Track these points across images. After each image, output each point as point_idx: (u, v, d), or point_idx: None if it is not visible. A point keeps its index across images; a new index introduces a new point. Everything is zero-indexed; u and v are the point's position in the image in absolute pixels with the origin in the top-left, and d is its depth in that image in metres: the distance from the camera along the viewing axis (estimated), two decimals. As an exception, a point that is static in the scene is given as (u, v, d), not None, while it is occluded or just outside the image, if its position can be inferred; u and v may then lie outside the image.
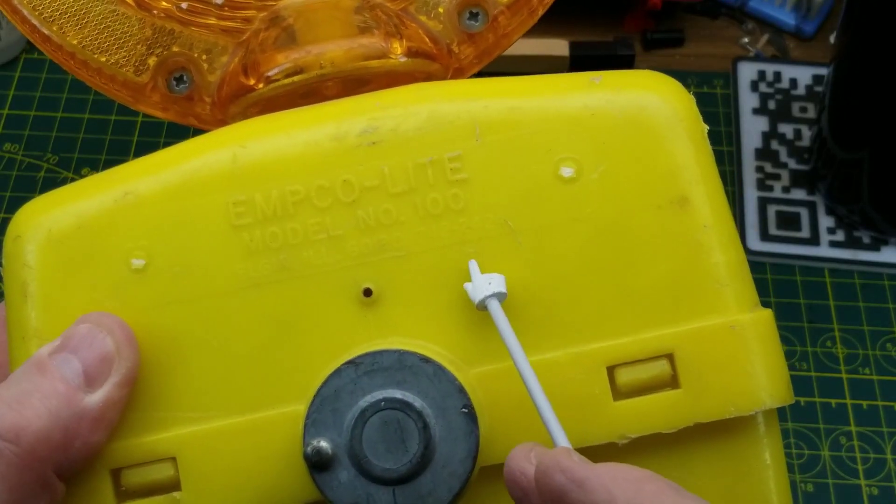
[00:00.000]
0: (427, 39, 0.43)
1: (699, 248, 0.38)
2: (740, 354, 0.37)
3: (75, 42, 0.43)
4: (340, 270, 0.38)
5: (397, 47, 0.42)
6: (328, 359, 0.38)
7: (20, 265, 0.39)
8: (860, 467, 0.64)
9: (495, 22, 0.43)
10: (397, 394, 0.36)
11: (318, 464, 0.36)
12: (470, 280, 0.38)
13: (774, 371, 0.38)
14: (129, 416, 0.38)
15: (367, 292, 0.38)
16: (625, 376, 0.38)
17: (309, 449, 0.36)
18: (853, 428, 0.65)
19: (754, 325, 0.38)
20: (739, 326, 0.37)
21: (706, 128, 0.39)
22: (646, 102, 0.39)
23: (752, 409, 0.37)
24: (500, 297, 0.37)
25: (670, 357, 0.38)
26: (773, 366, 0.38)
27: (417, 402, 0.36)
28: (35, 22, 0.43)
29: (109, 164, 0.73)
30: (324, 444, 0.36)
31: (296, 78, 0.42)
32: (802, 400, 0.66)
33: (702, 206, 0.38)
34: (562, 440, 0.34)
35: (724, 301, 0.38)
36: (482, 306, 0.37)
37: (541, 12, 0.43)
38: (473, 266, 0.38)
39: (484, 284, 0.37)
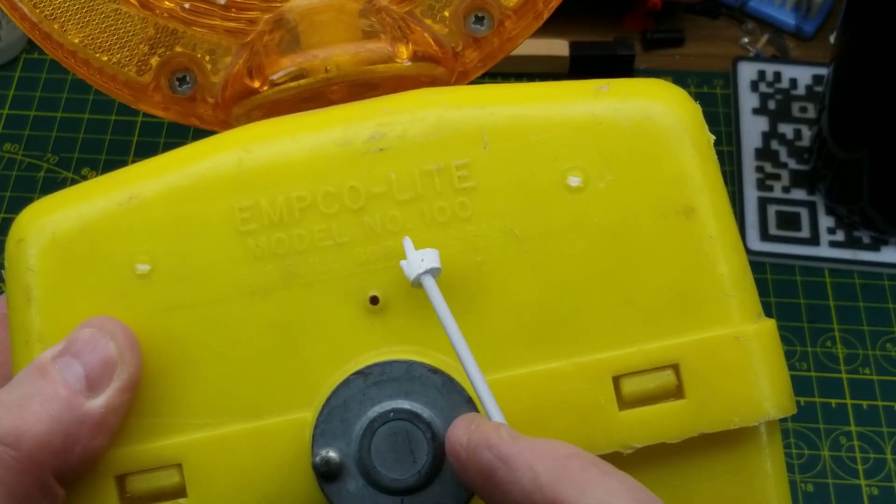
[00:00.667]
0: (432, 43, 0.42)
1: (704, 258, 0.38)
2: (745, 365, 0.38)
3: (77, 41, 0.43)
4: (347, 277, 0.38)
5: (403, 51, 0.42)
6: (334, 366, 0.38)
7: (23, 269, 0.38)
8: (860, 467, 0.64)
9: (501, 26, 0.43)
10: (406, 404, 0.36)
11: (326, 473, 0.36)
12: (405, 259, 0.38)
13: (778, 382, 0.38)
14: (135, 422, 0.38)
15: (374, 300, 0.38)
16: (630, 386, 0.38)
17: (318, 459, 0.36)
18: (853, 428, 0.65)
19: (758, 336, 0.38)
20: (744, 337, 0.38)
21: (712, 137, 0.39)
22: (652, 111, 0.39)
23: (755, 419, 0.37)
24: (434, 272, 0.37)
25: (675, 367, 0.38)
26: (776, 376, 0.38)
27: (426, 413, 0.36)
28: (35, 19, 0.42)
29: (109, 163, 0.73)
30: (332, 453, 0.36)
31: (301, 82, 0.42)
32: (802, 400, 0.66)
33: (707, 216, 0.38)
34: (495, 414, 0.34)
35: (728, 312, 0.38)
36: (416, 283, 0.37)
37: (546, 16, 0.43)
38: (408, 243, 0.38)
39: (417, 261, 0.37)
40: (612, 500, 0.31)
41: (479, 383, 0.35)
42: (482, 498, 0.34)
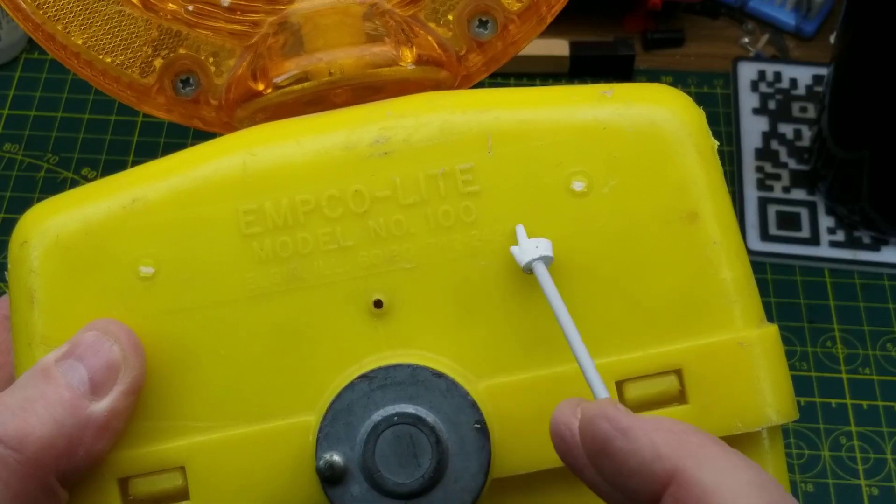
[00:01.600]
0: (436, 47, 0.42)
1: (708, 263, 0.38)
2: (748, 371, 0.38)
3: (80, 42, 0.43)
4: (351, 281, 0.38)
5: (407, 55, 0.42)
6: (338, 370, 0.38)
7: (27, 271, 0.38)
8: (860, 467, 0.64)
9: (504, 30, 0.43)
10: (410, 408, 0.36)
11: (330, 477, 0.36)
12: (516, 245, 0.38)
13: (780, 387, 0.38)
14: (138, 425, 0.38)
15: (378, 304, 0.38)
16: (633, 391, 0.38)
17: (321, 462, 0.36)
18: (853, 428, 0.65)
19: (761, 342, 0.38)
20: (747, 343, 0.38)
21: (716, 143, 0.39)
22: (656, 117, 0.39)
23: (758, 425, 0.38)
24: (546, 260, 0.37)
25: (678, 372, 0.38)
26: (778, 382, 0.38)
27: (430, 417, 0.36)
28: (39, 20, 0.42)
29: (109, 163, 0.73)
30: (336, 457, 0.36)
31: (304, 85, 0.42)
32: (802, 400, 0.66)
33: (711, 221, 0.38)
34: (602, 392, 0.34)
35: (731, 317, 0.38)
36: (528, 269, 0.37)
37: (549, 20, 0.43)
38: (520, 230, 0.38)
39: (531, 248, 0.37)
40: (731, 476, 0.31)
41: (587, 365, 0.35)
42: (586, 475, 0.33)
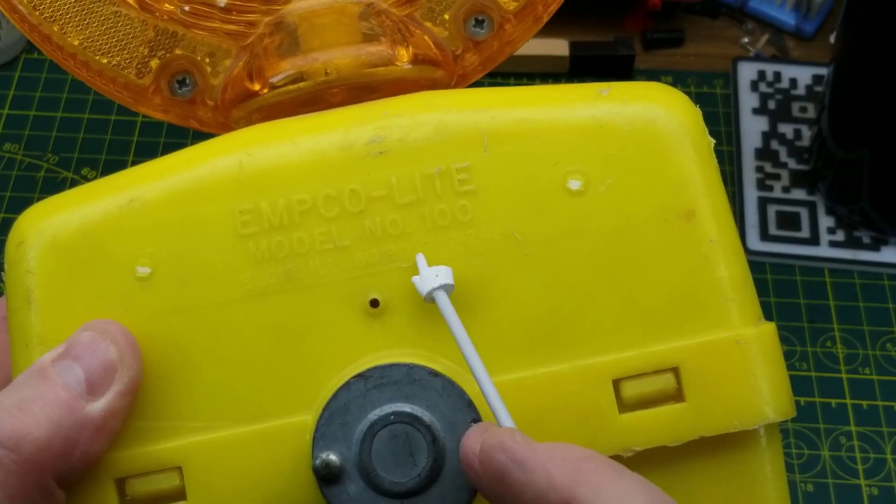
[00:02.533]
0: (432, 46, 0.42)
1: (705, 262, 0.38)
2: (745, 369, 0.38)
3: (76, 43, 0.42)
4: (347, 281, 0.38)
5: (403, 54, 0.42)
6: (335, 369, 0.38)
7: (23, 271, 0.38)
8: (860, 467, 0.64)
9: (501, 29, 0.43)
10: (406, 407, 0.36)
11: (326, 477, 0.36)
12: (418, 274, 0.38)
13: (777, 385, 0.38)
14: (135, 425, 0.38)
15: (374, 303, 0.38)
16: (630, 389, 0.38)
17: (318, 462, 0.36)
18: (853, 428, 0.65)
19: (758, 340, 0.38)
20: (744, 341, 0.38)
21: (713, 141, 0.39)
22: (653, 115, 0.39)
23: (755, 423, 0.37)
24: (447, 288, 0.37)
25: (676, 371, 0.38)
26: (776, 380, 0.38)
27: (426, 416, 0.36)
28: (35, 21, 0.42)
29: (109, 163, 0.73)
30: (333, 457, 0.36)
31: (301, 84, 0.42)
32: (802, 400, 0.66)
33: (708, 219, 0.38)
34: (506, 420, 0.35)
35: (728, 315, 0.38)
36: (430, 299, 0.37)
37: (545, 19, 0.43)
38: (421, 259, 0.38)
39: (431, 276, 0.37)
40: (627, 501, 0.31)
41: (490, 393, 0.35)
42: (494, 503, 0.34)
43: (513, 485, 0.32)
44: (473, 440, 0.34)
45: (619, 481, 0.31)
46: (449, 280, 0.37)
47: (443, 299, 0.37)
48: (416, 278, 0.38)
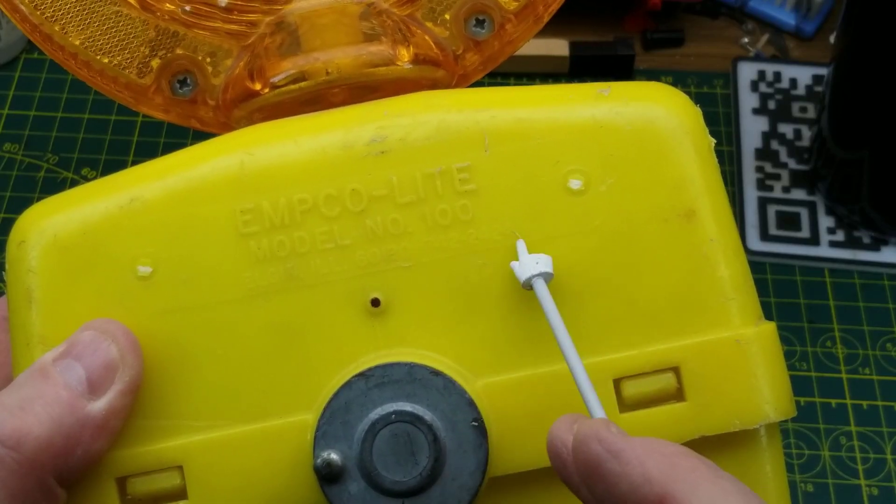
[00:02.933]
0: (433, 46, 0.42)
1: (705, 261, 0.38)
2: (745, 368, 0.38)
3: (77, 43, 0.43)
4: (348, 280, 0.38)
5: (404, 54, 0.42)
6: (335, 368, 0.38)
7: (24, 270, 0.38)
8: (860, 467, 0.64)
9: (502, 29, 0.43)
10: (407, 407, 0.36)
11: (328, 476, 0.36)
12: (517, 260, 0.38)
13: (778, 384, 0.38)
14: (136, 424, 0.38)
15: (375, 302, 0.38)
16: (631, 389, 0.38)
17: (319, 461, 0.36)
18: (853, 428, 0.65)
19: (759, 339, 0.38)
20: (744, 340, 0.38)
21: (713, 141, 0.39)
22: (653, 115, 0.39)
23: (756, 422, 0.37)
24: (546, 276, 0.37)
25: (676, 370, 0.38)
26: (776, 379, 0.38)
27: (427, 415, 0.36)
28: (36, 21, 0.42)
29: (109, 163, 0.73)
30: (334, 456, 0.36)
31: (302, 84, 0.42)
32: (802, 400, 0.66)
33: (708, 219, 0.38)
34: (599, 412, 0.34)
35: (729, 315, 0.38)
36: (528, 285, 0.37)
37: (546, 19, 0.43)
38: (521, 245, 0.38)
39: (531, 264, 0.37)
40: (723, 500, 0.31)
41: (584, 384, 0.35)
42: (582, 494, 0.33)
43: (606, 476, 0.32)
44: (563, 430, 0.34)
45: (716, 480, 0.31)
46: (549, 269, 0.37)
47: (541, 287, 0.37)
48: (514, 264, 0.38)
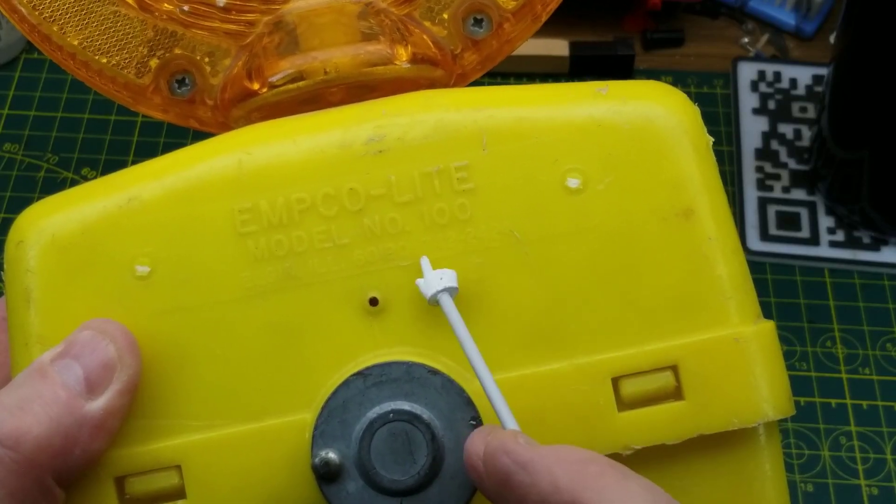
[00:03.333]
0: (431, 45, 0.42)
1: (704, 260, 0.38)
2: (744, 367, 0.38)
3: (76, 43, 0.43)
4: (346, 279, 0.38)
5: (402, 53, 0.42)
6: (334, 368, 0.38)
7: (23, 270, 0.38)
8: (860, 467, 0.64)
9: (500, 28, 0.43)
10: (406, 405, 0.37)
11: (326, 475, 0.36)
12: (422, 277, 0.38)
13: (776, 383, 0.38)
14: (134, 424, 0.38)
15: (373, 301, 0.38)
16: (629, 388, 0.38)
17: (317, 460, 0.36)
18: (853, 428, 0.65)
19: (757, 338, 0.38)
20: (743, 339, 0.38)
21: (711, 140, 0.39)
22: (652, 114, 0.39)
23: (754, 421, 0.37)
24: (451, 291, 0.37)
25: (674, 369, 0.38)
26: (775, 378, 0.38)
27: (426, 414, 0.36)
28: (34, 21, 0.42)
29: (109, 163, 0.73)
30: (332, 455, 0.36)
31: (300, 84, 0.42)
32: (802, 400, 0.66)
33: (706, 218, 0.38)
34: (510, 422, 0.35)
35: (727, 313, 0.38)
36: (434, 302, 0.37)
37: (544, 18, 0.43)
38: (425, 262, 0.38)
39: (435, 279, 0.37)
40: (630, 502, 0.31)
41: (494, 395, 0.35)
42: None
43: (517, 488, 0.32)
44: (477, 443, 0.34)
45: (624, 483, 0.32)
46: (453, 283, 0.37)
47: (447, 302, 0.37)
48: (420, 281, 0.38)
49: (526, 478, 0.32)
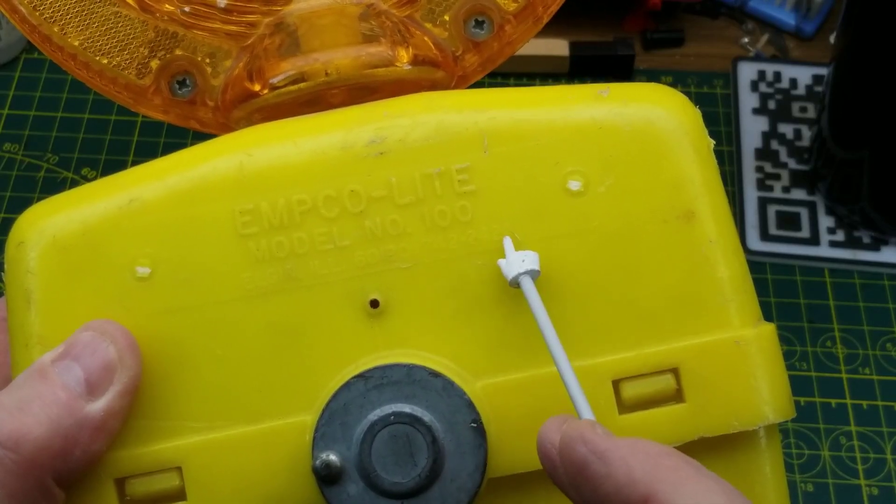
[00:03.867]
0: (433, 47, 0.42)
1: (704, 262, 0.38)
2: (744, 369, 0.38)
3: (77, 43, 0.42)
4: (347, 281, 0.38)
5: (403, 55, 0.42)
6: (334, 370, 0.38)
7: (23, 271, 0.38)
8: (860, 467, 0.64)
9: (501, 30, 0.43)
10: (406, 408, 0.37)
11: (326, 477, 0.36)
12: (504, 258, 0.38)
13: (777, 386, 0.38)
14: (134, 425, 0.38)
15: (374, 303, 0.38)
16: (630, 390, 0.38)
17: (318, 462, 0.36)
18: (853, 428, 0.65)
19: (758, 340, 0.38)
20: (743, 342, 0.38)
21: (712, 142, 0.39)
22: (653, 116, 0.39)
23: (755, 423, 0.38)
24: (532, 274, 0.37)
25: (675, 371, 0.38)
26: (775, 381, 0.38)
27: (426, 417, 0.36)
28: (35, 22, 0.42)
29: (109, 163, 0.73)
30: (333, 457, 0.36)
31: (301, 85, 0.42)
32: (802, 400, 0.66)
33: (707, 220, 0.38)
34: (586, 412, 0.34)
35: (728, 316, 0.38)
36: (514, 283, 0.37)
37: (545, 20, 0.43)
38: (508, 242, 0.38)
39: (517, 261, 0.37)
40: (704, 500, 0.31)
41: (571, 383, 0.35)
42: (570, 494, 0.34)
43: (592, 477, 0.32)
44: (552, 431, 0.34)
45: (699, 479, 0.31)
46: (535, 266, 0.37)
47: (528, 284, 0.37)
48: (501, 262, 0.38)
49: (602, 468, 0.32)
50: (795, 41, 0.82)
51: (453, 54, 0.43)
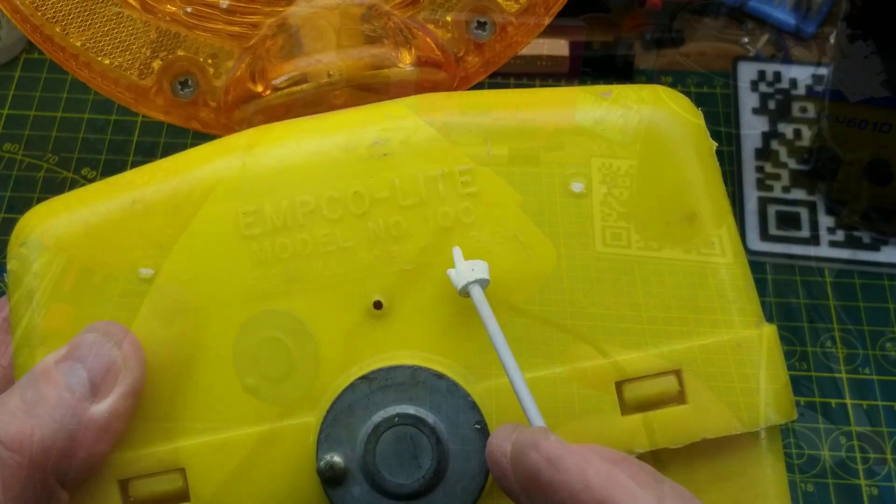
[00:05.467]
0: (435, 48, 0.42)
1: (706, 264, 0.38)
2: (746, 371, 0.38)
3: (78, 44, 0.43)
4: (350, 282, 0.38)
5: (405, 56, 0.42)
6: (338, 371, 0.38)
7: (27, 272, 0.39)
8: (860, 467, 0.64)
9: (503, 31, 0.43)
10: (410, 409, 0.37)
11: (331, 478, 0.36)
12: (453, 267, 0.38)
13: (779, 387, 0.38)
14: (138, 427, 0.38)
15: (377, 304, 0.38)
16: (632, 391, 0.38)
17: (322, 463, 0.36)
18: (853, 428, 0.65)
19: (760, 342, 0.38)
20: (746, 343, 0.38)
21: (715, 144, 0.39)
22: (655, 118, 0.39)
23: (757, 425, 0.38)
24: (482, 283, 0.37)
25: (678, 373, 0.38)
26: (777, 382, 0.38)
27: (430, 418, 0.36)
28: (37, 22, 0.42)
29: (109, 163, 0.73)
30: (337, 458, 0.36)
31: (303, 86, 0.42)
32: (802, 400, 0.66)
33: (709, 222, 0.39)
34: (537, 420, 0.34)
35: (730, 317, 0.38)
36: (464, 293, 0.37)
37: (547, 22, 0.43)
38: (457, 252, 0.38)
39: (467, 270, 0.37)
40: None
41: (522, 391, 0.35)
42: (522, 503, 0.33)
43: (546, 484, 0.32)
44: (502, 439, 0.34)
45: (655, 486, 0.31)
46: (485, 275, 0.37)
47: (478, 293, 0.37)
48: (451, 271, 0.38)
49: (556, 475, 0.32)
50: (795, 41, 0.82)
51: (455, 55, 0.43)
